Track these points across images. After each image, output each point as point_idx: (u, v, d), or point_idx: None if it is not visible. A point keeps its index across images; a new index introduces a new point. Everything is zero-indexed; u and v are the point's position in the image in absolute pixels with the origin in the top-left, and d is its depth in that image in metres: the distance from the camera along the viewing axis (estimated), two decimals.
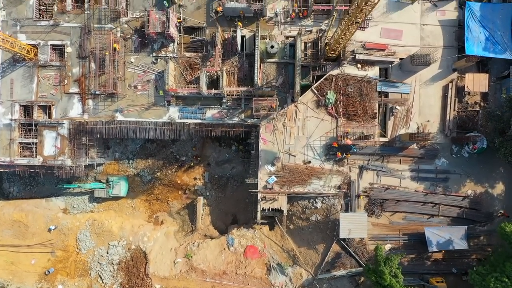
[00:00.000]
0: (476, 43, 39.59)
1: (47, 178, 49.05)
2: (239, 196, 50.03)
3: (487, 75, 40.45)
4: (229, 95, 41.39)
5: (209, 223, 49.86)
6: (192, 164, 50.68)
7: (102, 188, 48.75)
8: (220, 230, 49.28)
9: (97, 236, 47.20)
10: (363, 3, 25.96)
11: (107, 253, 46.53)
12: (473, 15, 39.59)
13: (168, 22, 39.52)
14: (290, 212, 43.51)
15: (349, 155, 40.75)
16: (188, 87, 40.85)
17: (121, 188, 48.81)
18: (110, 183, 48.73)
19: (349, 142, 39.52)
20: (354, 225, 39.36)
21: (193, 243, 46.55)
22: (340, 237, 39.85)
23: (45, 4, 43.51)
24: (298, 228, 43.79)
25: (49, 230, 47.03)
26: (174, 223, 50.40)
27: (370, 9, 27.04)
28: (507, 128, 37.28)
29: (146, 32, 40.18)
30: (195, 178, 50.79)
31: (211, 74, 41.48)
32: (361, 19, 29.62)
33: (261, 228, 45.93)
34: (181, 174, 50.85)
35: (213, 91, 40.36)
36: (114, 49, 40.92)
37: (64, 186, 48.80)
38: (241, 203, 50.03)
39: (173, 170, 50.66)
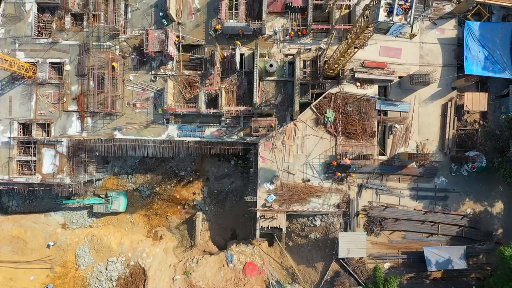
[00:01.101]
0: (475, 62, 39.54)
1: (46, 193, 48.96)
2: (238, 211, 50.01)
3: (486, 94, 40.38)
4: (228, 113, 41.34)
5: (208, 239, 49.83)
6: (191, 179, 50.70)
7: (101, 204, 48.76)
8: (219, 245, 49.24)
9: (96, 252, 47.11)
10: (362, 31, 25.89)
11: (106, 269, 46.45)
12: (472, 34, 39.54)
13: (167, 41, 39.47)
14: (289, 229, 43.47)
15: (353, 174, 40.67)
16: (187, 106, 40.84)
17: (120, 203, 48.83)
18: (109, 198, 48.76)
19: (348, 161, 39.47)
20: (353, 245, 39.31)
21: (192, 259, 46.47)
22: (339, 256, 39.81)
23: (44, 21, 43.44)
24: (297, 245, 43.75)
25: (48, 246, 46.92)
26: (173, 238, 50.36)
27: (368, 37, 26.96)
28: (506, 148, 37.21)
29: (145, 51, 40.10)
30: (194, 193, 50.79)
31: (210, 92, 41.43)
32: (360, 45, 29.54)
33: (260, 244, 45.89)
34: (180, 189, 50.85)
35: (212, 110, 40.34)
36: (113, 67, 40.86)
37: (63, 202, 48.78)
38: (240, 218, 50.02)
39: (172, 185, 50.67)
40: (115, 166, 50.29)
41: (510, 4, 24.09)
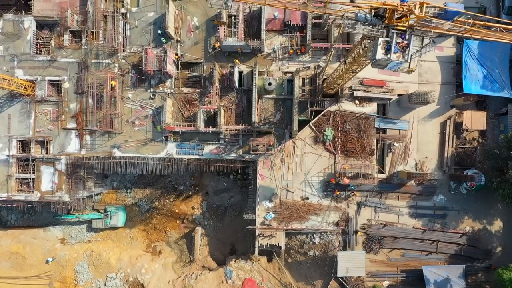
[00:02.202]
0: (474, 81, 39.54)
1: (45, 207, 48.94)
2: (237, 225, 49.93)
3: (485, 112, 40.38)
4: (227, 132, 41.32)
5: (207, 254, 49.78)
6: (190, 193, 50.62)
7: (100, 219, 48.73)
8: (218, 260, 49.20)
9: (95, 268, 47.15)
10: (360, 59, 25.87)
11: (105, 285, 46.48)
12: (471, 53, 39.54)
13: (166, 60, 39.45)
14: (288, 246, 43.46)
15: (357, 193, 40.65)
16: (185, 125, 40.83)
17: (119, 218, 48.78)
18: (108, 213, 48.70)
19: (346, 181, 39.47)
20: (352, 264, 39.32)
21: (191, 275, 46.44)
22: (338, 275, 39.82)
23: (42, 38, 43.41)
24: (296, 262, 43.73)
25: (47, 261, 46.96)
26: (172, 253, 50.31)
27: (366, 64, 26.94)
28: (505, 167, 37.17)
29: (143, 70, 40.09)
30: (193, 207, 50.72)
31: (209, 110, 41.42)
32: (359, 70, 29.52)
33: (259, 260, 45.83)
34: (179, 203, 50.80)
35: (210, 129, 40.37)
36: (111, 86, 40.85)
37: (62, 217, 48.69)
38: (239, 232, 49.94)
39: (171, 200, 50.62)
40: (114, 181, 50.26)
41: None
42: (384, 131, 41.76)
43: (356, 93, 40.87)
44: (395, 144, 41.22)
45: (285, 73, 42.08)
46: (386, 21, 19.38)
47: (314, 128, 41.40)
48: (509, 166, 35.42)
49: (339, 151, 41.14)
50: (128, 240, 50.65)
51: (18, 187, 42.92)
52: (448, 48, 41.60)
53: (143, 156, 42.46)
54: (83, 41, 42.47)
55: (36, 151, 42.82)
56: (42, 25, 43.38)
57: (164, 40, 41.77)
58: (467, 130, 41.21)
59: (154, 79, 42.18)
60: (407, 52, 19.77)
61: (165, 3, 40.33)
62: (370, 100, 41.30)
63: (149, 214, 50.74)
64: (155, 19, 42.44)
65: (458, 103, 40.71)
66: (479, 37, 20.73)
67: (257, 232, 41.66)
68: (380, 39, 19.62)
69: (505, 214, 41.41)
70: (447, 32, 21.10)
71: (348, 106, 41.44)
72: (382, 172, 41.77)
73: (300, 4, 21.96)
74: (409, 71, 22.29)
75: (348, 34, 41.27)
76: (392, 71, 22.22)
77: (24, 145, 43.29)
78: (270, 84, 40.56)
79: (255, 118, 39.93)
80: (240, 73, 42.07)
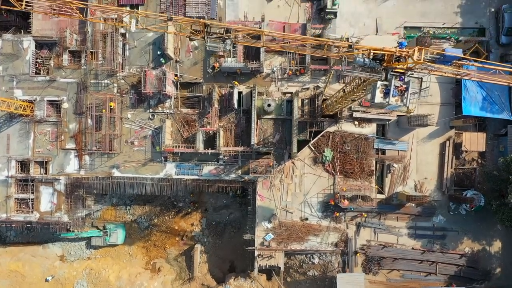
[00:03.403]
0: (473, 103, 39.50)
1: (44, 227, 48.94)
2: (236, 242, 49.84)
3: (484, 134, 40.36)
4: (226, 153, 41.34)
5: (206, 271, 49.71)
6: (189, 210, 50.58)
7: (99, 236, 48.72)
8: (217, 278, 49.13)
9: (94, 286, 47.15)
10: (358, 90, 25.86)
11: None
12: None
13: (165, 82, 39.43)
14: (287, 265, 43.42)
15: (365, 214, 40.67)
16: (184, 147, 40.84)
17: (118, 236, 48.77)
18: (107, 230, 48.70)
19: (346, 203, 39.47)
20: (351, 286, 39.21)
21: None
22: None
23: (41, 57, 43.40)
24: (295, 282, 43.70)
25: (46, 280, 46.96)
26: (171, 270, 50.25)
27: (365, 94, 26.93)
28: (505, 189, 37.13)
29: (142, 92, 40.09)
30: (192, 224, 50.67)
31: (208, 131, 41.46)
32: (357, 98, 29.51)
33: (258, 278, 45.80)
34: (178, 220, 50.75)
35: (209, 151, 40.38)
36: (110, 107, 40.84)
37: (61, 235, 48.67)
38: (238, 249, 49.79)
39: (170, 216, 50.56)
40: (114, 197, 50.14)
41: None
42: (383, 151, 41.72)
43: (355, 114, 40.78)
44: (395, 165, 41.21)
45: (284, 93, 42.06)
46: (384, 64, 19.41)
47: (313, 148, 41.39)
48: (508, 190, 35.38)
49: (338, 172, 41.13)
50: (128, 257, 50.60)
51: (17, 207, 42.91)
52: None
53: (142, 177, 42.44)
54: (82, 61, 42.46)
55: (35, 171, 42.80)
56: (41, 44, 43.35)
57: (163, 61, 41.74)
58: (466, 151, 41.17)
59: (153, 99, 42.16)
60: (405, 96, 19.81)
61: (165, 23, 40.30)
62: (369, 121, 41.22)
63: (149, 231, 50.68)
64: (154, 39, 42.41)
65: (457, 124, 40.68)
66: (478, 79, 20.75)
67: (256, 253, 41.61)
68: (379, 83, 19.65)
69: (504, 235, 41.39)
70: (445, 75, 21.09)
71: (347, 126, 41.41)
72: (381, 193, 41.74)
73: (298, 47, 21.98)
74: (408, 112, 22.28)
75: None
76: (390, 110, 22.25)
77: (23, 165, 43.27)
78: (269, 105, 40.53)
79: (254, 139, 39.92)
80: (240, 93, 42.05)
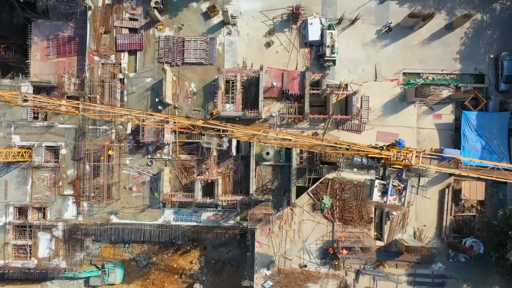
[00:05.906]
0: (473, 152, 39.39)
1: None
2: (235, 280, 49.74)
3: (484, 183, 40.10)
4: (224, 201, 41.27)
5: None
6: (188, 248, 50.43)
7: (97, 276, 48.60)
8: None
9: None
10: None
11: None
12: (469, 124, 39.40)
13: (163, 131, 39.31)
14: None
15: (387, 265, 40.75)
16: (183, 195, 40.77)
17: (116, 275, 48.63)
18: (105, 269, 48.59)
19: (344, 253, 39.31)
20: None
21: None
22: None
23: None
24: None
25: None
26: None
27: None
28: (504, 239, 36.98)
29: (141, 141, 39.98)
30: (191, 262, 50.54)
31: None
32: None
33: None
34: (177, 258, 50.59)
35: (208, 200, 40.27)
36: (109, 156, 40.71)
37: (59, 275, 48.50)
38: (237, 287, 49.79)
39: (169, 254, 50.42)
40: (112, 235, 50.02)
41: None
42: None
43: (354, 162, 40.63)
44: (394, 212, 41.02)
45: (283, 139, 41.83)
46: (382, 161, 19.32)
47: (312, 195, 41.24)
48: (508, 247, 35.22)
49: (337, 219, 40.99)
50: None
51: (15, 253, 42.77)
52: (446, 115, 41.43)
53: (141, 223, 42.34)
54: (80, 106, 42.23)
55: (33, 217, 42.65)
56: (39, 88, 43.23)
57: (161, 108, 41.62)
58: (466, 200, 41.03)
59: (152, 145, 42.02)
60: (403, 194, 19.71)
61: (162, 71, 40.18)
62: (368, 168, 41.08)
63: (147, 270, 50.52)
64: (152, 85, 42.32)
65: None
66: (476, 175, 20.65)
67: None
68: (377, 181, 19.55)
69: (503, 282, 41.16)
70: (440, 169, 20.94)
71: (346, 173, 41.26)
72: (381, 240, 41.60)
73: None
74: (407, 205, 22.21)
75: (346, 103, 41.18)
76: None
77: (21, 211, 43.12)
78: (268, 153, 40.43)
79: (253, 188, 39.80)
80: (238, 140, 41.85)
